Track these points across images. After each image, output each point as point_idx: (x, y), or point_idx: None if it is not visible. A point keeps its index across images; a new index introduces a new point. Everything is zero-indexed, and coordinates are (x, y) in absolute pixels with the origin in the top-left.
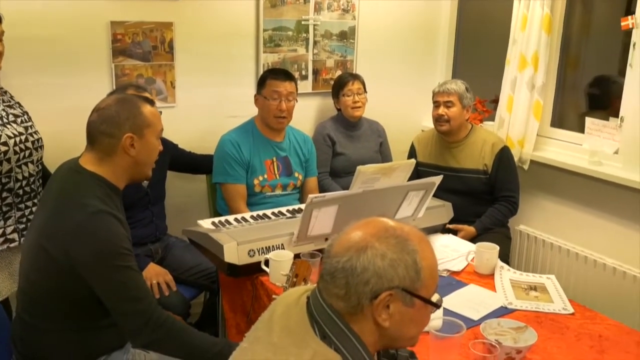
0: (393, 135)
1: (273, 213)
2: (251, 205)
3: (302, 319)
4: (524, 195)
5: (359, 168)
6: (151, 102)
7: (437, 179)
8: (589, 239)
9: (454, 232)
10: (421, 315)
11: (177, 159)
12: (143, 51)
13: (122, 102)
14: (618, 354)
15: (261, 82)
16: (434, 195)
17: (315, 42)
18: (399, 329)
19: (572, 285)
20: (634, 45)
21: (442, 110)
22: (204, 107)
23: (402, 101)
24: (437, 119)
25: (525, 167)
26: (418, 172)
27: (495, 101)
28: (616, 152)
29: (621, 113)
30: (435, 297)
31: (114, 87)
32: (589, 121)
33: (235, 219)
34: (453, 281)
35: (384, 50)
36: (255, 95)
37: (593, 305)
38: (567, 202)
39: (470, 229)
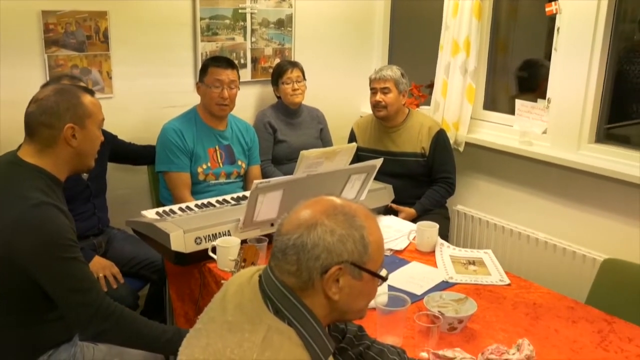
0: (333, 122)
1: (217, 201)
2: (195, 194)
3: (255, 296)
4: (460, 176)
5: (302, 153)
6: (91, 92)
7: (378, 162)
8: (521, 215)
9: (395, 213)
10: (369, 288)
11: (117, 150)
12: (77, 41)
13: (62, 93)
14: (551, 319)
15: (203, 70)
16: (375, 179)
17: (253, 31)
18: (348, 302)
19: (508, 259)
20: (558, 29)
21: (379, 96)
22: (142, 98)
23: (340, 87)
24: (375, 105)
25: (461, 149)
26: (358, 157)
27: (431, 86)
28: (544, 132)
29: (548, 95)
30: (383, 271)
31: (48, 79)
32: (519, 103)
33: (180, 208)
34: (396, 259)
35: (322, 38)
36: (197, 83)
37: (527, 276)
38: (500, 182)
39: (411, 211)
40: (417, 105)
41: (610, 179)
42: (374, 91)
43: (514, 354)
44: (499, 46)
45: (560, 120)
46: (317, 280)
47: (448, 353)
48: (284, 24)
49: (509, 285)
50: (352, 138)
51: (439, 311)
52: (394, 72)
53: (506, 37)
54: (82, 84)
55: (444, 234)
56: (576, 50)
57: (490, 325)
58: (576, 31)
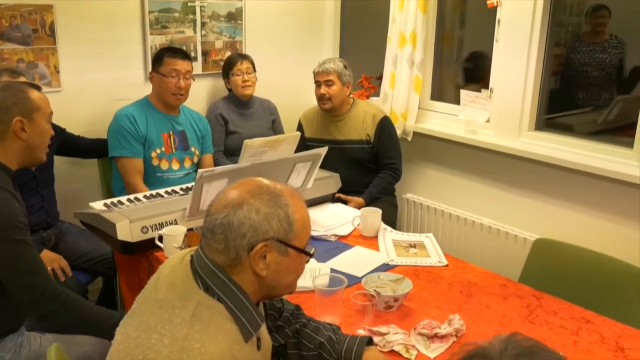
0: (286, 113)
1: (166, 192)
2: (149, 186)
3: (186, 275)
4: (409, 165)
5: (246, 142)
6: (37, 87)
7: (323, 150)
8: (467, 201)
9: (345, 203)
10: (296, 264)
11: (65, 143)
12: (22, 35)
13: (8, 89)
14: (483, 296)
15: (158, 60)
16: (324, 168)
17: (203, 24)
18: (276, 278)
19: (455, 244)
20: (498, 21)
21: (323, 89)
22: (91, 91)
23: (292, 80)
24: (320, 98)
25: (409, 138)
26: (306, 147)
27: (380, 78)
28: (488, 121)
29: (491, 85)
30: (309, 248)
31: None
32: (464, 93)
33: (128, 199)
34: (340, 244)
35: (273, 31)
36: (150, 73)
37: (472, 259)
38: (447, 169)
39: (359, 200)
40: (368, 97)
41: (547, 164)
42: (318, 84)
43: (444, 328)
44: (444, 39)
45: (502, 109)
46: (244, 257)
47: (382, 329)
48: (234, 17)
49: (446, 266)
50: (299, 129)
51: (375, 290)
52: (337, 64)
53: (451, 30)
54: (22, 79)
55: (392, 221)
56: (516, 41)
57: (425, 303)
58: (515, 23)
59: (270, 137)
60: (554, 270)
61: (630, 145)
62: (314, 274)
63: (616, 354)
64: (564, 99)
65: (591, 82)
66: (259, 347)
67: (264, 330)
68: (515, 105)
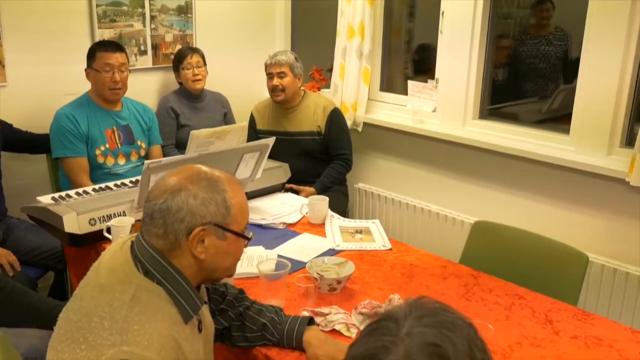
0: (238, 107)
1: (115, 184)
2: (97, 181)
3: (126, 260)
4: (360, 155)
5: (192, 132)
6: None
7: (270, 141)
8: (415, 189)
9: (297, 193)
10: (234, 248)
11: (12, 139)
12: None
13: None
14: (424, 277)
15: (90, 55)
16: (276, 159)
17: (152, 17)
18: (215, 261)
19: (406, 230)
20: (442, 13)
21: (275, 81)
22: (38, 86)
23: (244, 73)
24: (273, 90)
25: (359, 129)
26: (258, 139)
27: (331, 70)
28: (434, 111)
29: (436, 75)
30: (248, 232)
31: None
32: (411, 84)
33: (77, 193)
34: (288, 232)
35: (224, 24)
36: (86, 69)
37: (419, 244)
38: (397, 159)
39: (311, 190)
40: (319, 89)
41: (490, 151)
42: (270, 76)
43: (384, 307)
44: (392, 31)
45: (448, 99)
46: (183, 241)
47: (324, 310)
48: (184, 10)
49: (390, 249)
50: (251, 121)
51: (318, 274)
52: (288, 56)
53: (399, 22)
54: None
55: (343, 210)
56: (458, 33)
57: (368, 285)
58: (458, 15)
59: (217, 127)
60: (492, 251)
61: (567, 132)
62: (262, 262)
63: (545, 326)
64: (512, 90)
65: (538, 74)
66: (200, 330)
67: (206, 314)
68: (460, 95)
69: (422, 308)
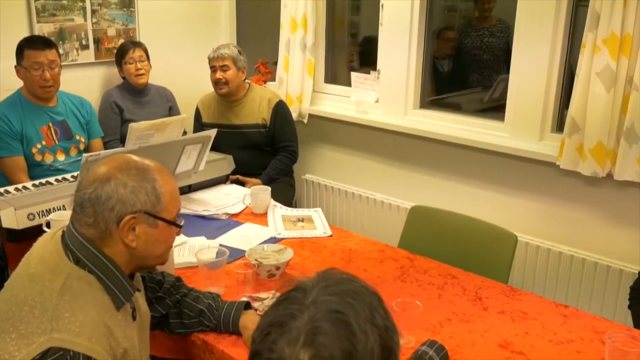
0: (184, 100)
1: (56, 179)
2: (38, 179)
3: (56, 249)
4: (306, 147)
5: (131, 125)
6: None
7: (212, 132)
8: (361, 178)
9: (243, 185)
10: (165, 235)
11: None
12: None
13: None
14: (362, 261)
15: (19, 53)
16: (222, 152)
17: (93, 11)
18: (146, 248)
19: (352, 219)
20: (382, 6)
21: (219, 74)
22: None
23: (190, 66)
24: (216, 83)
25: (305, 120)
26: None
27: (277, 63)
28: (377, 101)
29: (378, 67)
30: (180, 221)
31: None
32: (354, 75)
33: (16, 188)
34: (231, 222)
35: (168, 18)
36: (15, 67)
37: (363, 231)
38: (342, 149)
39: (256, 181)
40: (265, 82)
41: (430, 139)
42: (213, 69)
43: None
44: (335, 23)
45: (389, 90)
46: (114, 229)
47: (262, 295)
48: (126, 4)
49: (330, 236)
50: (197, 115)
51: (257, 260)
52: (232, 50)
53: (342, 15)
54: None
55: (289, 201)
56: (398, 25)
57: (307, 270)
58: (396, 8)
59: (156, 120)
60: (428, 234)
61: (503, 119)
62: (203, 251)
63: (474, 303)
64: (458, 80)
65: (482, 65)
66: (134, 317)
67: (141, 302)
68: (401, 85)
69: (329, 279)
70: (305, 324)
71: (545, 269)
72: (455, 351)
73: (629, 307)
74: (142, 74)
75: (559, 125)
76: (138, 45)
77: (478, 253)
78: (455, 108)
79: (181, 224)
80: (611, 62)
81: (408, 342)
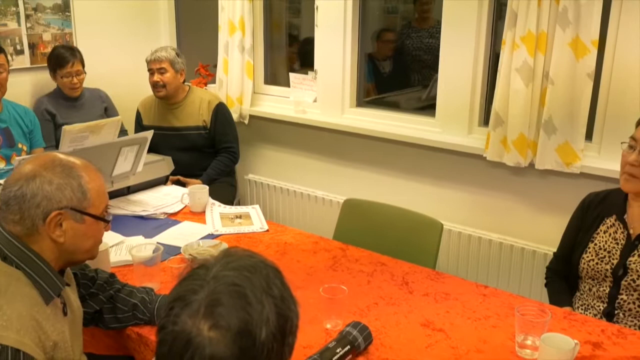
0: (125, 103)
1: None
2: None
3: None
4: (248, 147)
5: (64, 128)
6: None
7: (149, 134)
8: (301, 176)
9: (184, 185)
10: (93, 230)
11: None
12: None
13: None
14: (296, 252)
15: None
16: (163, 154)
17: (27, 16)
18: (74, 244)
19: (295, 216)
20: (317, 8)
21: (156, 76)
22: None
23: (129, 69)
24: (154, 86)
25: (246, 121)
26: None
27: (217, 65)
28: (315, 101)
29: (315, 67)
30: (109, 216)
31: None
32: (292, 76)
33: None
34: (169, 221)
35: (106, 22)
36: None
37: (303, 228)
38: (283, 149)
39: (198, 182)
40: (205, 84)
41: (367, 136)
42: (151, 72)
43: None
44: (273, 25)
45: (327, 89)
46: (40, 226)
47: None
48: (62, 8)
49: (267, 231)
50: (137, 118)
51: (191, 255)
52: (169, 52)
53: (279, 17)
54: None
55: (230, 201)
56: (332, 26)
57: None
58: (330, 10)
59: (90, 122)
60: (360, 225)
61: (434, 115)
62: (140, 249)
63: (401, 287)
64: (399, 80)
65: (423, 65)
66: (65, 313)
67: (73, 298)
68: (337, 85)
69: (230, 256)
70: (206, 297)
71: (477, 256)
72: (380, 331)
73: (545, 285)
74: (78, 87)
75: (486, 119)
76: (75, 56)
77: (407, 241)
78: (395, 107)
79: (109, 219)
80: (529, 59)
81: (336, 324)
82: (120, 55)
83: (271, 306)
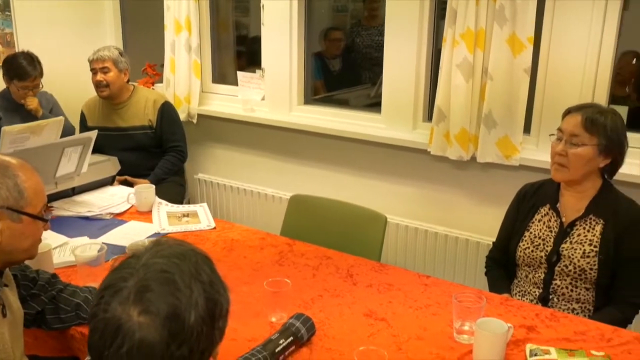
0: (71, 104)
1: None
2: None
3: None
4: (197, 146)
5: (3, 129)
6: None
7: (93, 134)
8: (251, 174)
9: (132, 185)
10: (31, 230)
11: None
12: None
13: None
14: (243, 249)
15: None
16: (110, 154)
17: None
18: (11, 243)
19: (245, 214)
20: (263, 6)
21: (99, 76)
22: None
23: (75, 70)
24: (97, 85)
25: (194, 121)
26: None
27: (163, 64)
28: (263, 99)
29: (263, 65)
30: (48, 215)
31: None
32: (240, 75)
33: None
34: (115, 221)
35: (49, 21)
36: None
37: (253, 225)
38: (232, 147)
39: (145, 182)
40: (153, 84)
41: (314, 133)
42: (94, 72)
43: None
44: (220, 25)
45: (274, 87)
46: None
47: None
48: (1, 8)
49: (214, 228)
50: (82, 119)
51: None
52: (112, 52)
53: (226, 16)
54: None
55: (179, 200)
56: (278, 24)
57: None
58: (276, 7)
59: (31, 122)
60: (307, 221)
61: (380, 111)
62: (84, 250)
63: (345, 280)
64: (350, 78)
65: (373, 62)
66: (4, 314)
67: (12, 299)
68: (284, 83)
69: (160, 245)
70: (135, 284)
71: (423, 249)
72: (324, 322)
73: (485, 274)
74: (32, 97)
75: (430, 115)
76: (35, 69)
77: (352, 235)
78: (345, 104)
79: (47, 218)
80: (468, 55)
81: (281, 317)
82: (64, 56)
83: (200, 291)
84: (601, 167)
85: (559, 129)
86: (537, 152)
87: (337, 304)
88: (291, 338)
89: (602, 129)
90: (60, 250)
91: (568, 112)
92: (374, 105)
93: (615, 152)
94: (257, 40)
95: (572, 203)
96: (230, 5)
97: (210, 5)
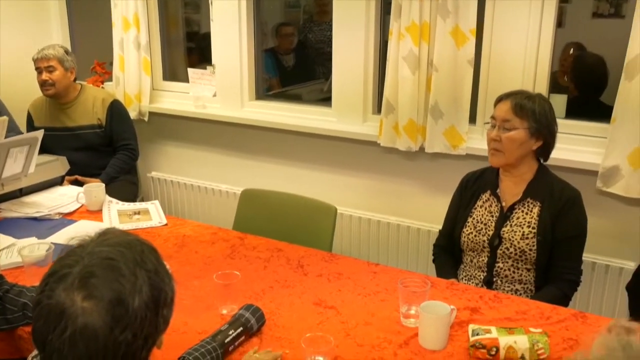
0: (18, 105)
1: None
2: None
3: None
4: (149, 144)
5: None
6: None
7: (39, 134)
8: (204, 171)
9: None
10: None
11: None
12: None
13: None
14: (195, 244)
15: None
16: (59, 155)
17: None
18: None
19: (200, 211)
20: (211, 2)
21: (45, 75)
22: None
23: (20, 70)
24: (42, 84)
25: (146, 118)
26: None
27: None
28: (215, 95)
29: (213, 61)
30: None
31: None
32: (191, 71)
33: None
34: (65, 221)
35: None
36: None
37: (211, 222)
38: (185, 144)
39: (97, 181)
40: (102, 82)
41: (266, 128)
42: (39, 71)
43: None
44: (170, 21)
45: (226, 83)
46: None
47: None
48: None
49: (166, 225)
50: (28, 120)
51: None
52: (57, 50)
53: (175, 13)
54: None
55: (132, 199)
56: (227, 20)
57: None
58: (225, 3)
59: None
60: (258, 214)
61: (330, 105)
62: (32, 250)
63: (296, 270)
64: (303, 73)
65: (326, 57)
66: None
67: None
68: (235, 78)
69: (107, 234)
70: (80, 270)
71: (376, 239)
72: (274, 312)
73: (433, 261)
74: None
75: (379, 107)
76: None
77: (303, 227)
78: (298, 99)
79: None
80: (414, 48)
81: (231, 309)
82: (8, 55)
83: (144, 278)
84: (534, 149)
85: (492, 117)
86: (483, 141)
87: (288, 294)
88: (241, 328)
89: (531, 113)
90: (8, 252)
91: (499, 99)
92: (327, 99)
93: (545, 134)
94: (207, 37)
95: (511, 188)
96: (179, 1)
97: (159, 2)
